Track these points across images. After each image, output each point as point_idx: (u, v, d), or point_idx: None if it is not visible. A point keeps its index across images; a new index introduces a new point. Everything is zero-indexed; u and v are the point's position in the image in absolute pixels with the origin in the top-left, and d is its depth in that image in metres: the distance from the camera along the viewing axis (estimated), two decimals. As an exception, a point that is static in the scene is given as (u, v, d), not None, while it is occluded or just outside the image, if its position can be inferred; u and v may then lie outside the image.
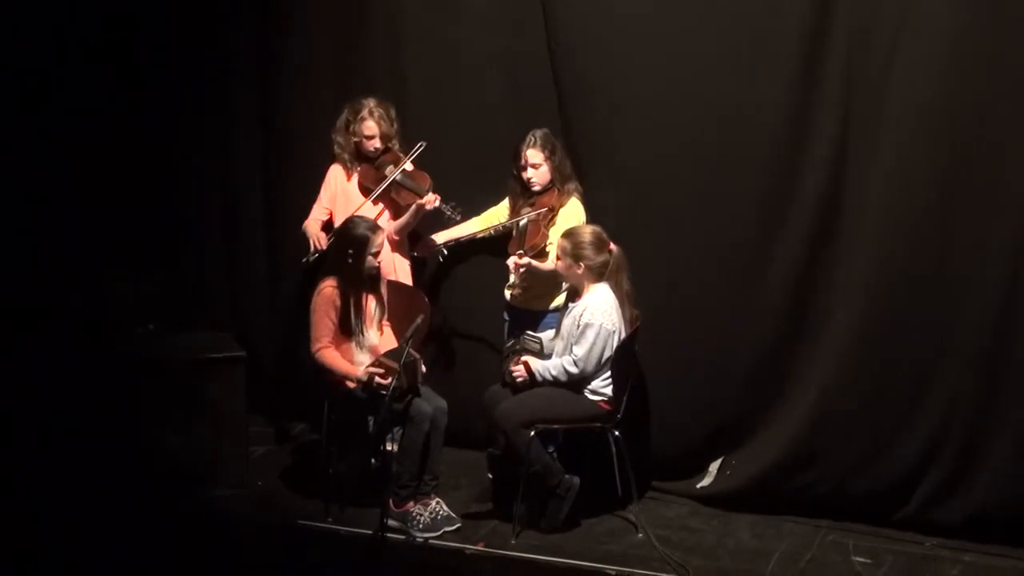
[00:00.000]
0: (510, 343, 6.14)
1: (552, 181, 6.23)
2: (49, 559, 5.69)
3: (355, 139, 6.46)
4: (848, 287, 5.88)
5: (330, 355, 5.96)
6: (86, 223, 7.08)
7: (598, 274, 5.87)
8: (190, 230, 7.35)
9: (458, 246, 6.50)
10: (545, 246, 6.16)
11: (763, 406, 6.11)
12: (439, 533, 5.86)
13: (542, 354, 6.02)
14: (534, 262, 6.12)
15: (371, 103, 6.42)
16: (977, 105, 5.54)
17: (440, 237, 6.46)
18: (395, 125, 6.45)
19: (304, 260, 6.48)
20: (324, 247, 6.39)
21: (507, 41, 6.44)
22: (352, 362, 5.99)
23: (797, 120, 5.86)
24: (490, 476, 6.33)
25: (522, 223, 6.24)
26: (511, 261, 6.12)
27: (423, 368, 5.93)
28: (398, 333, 6.10)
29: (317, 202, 6.55)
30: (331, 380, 5.99)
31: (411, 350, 5.75)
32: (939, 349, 5.73)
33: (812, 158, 5.87)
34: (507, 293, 6.32)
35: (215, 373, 6.34)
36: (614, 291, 5.88)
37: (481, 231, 6.41)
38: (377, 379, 5.76)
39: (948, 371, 5.72)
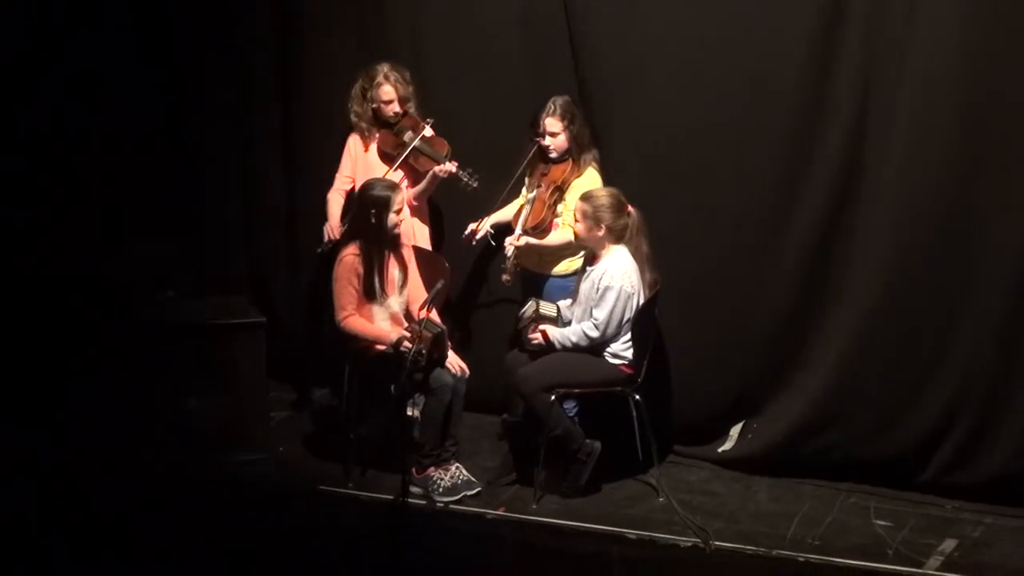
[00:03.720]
0: (525, 309, 6.07)
1: (569, 150, 6.18)
2: (68, 523, 5.74)
3: (373, 105, 6.43)
4: (868, 253, 5.87)
5: (357, 322, 5.94)
6: (104, 190, 7.07)
7: (618, 236, 5.84)
8: (209, 195, 7.30)
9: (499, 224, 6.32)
10: (550, 224, 6.14)
11: (784, 370, 6.11)
12: (459, 497, 5.87)
13: (559, 321, 6.02)
14: (532, 240, 6.10)
15: (385, 68, 6.38)
16: (997, 73, 5.52)
17: (487, 223, 6.22)
18: (411, 87, 6.41)
19: (319, 251, 6.50)
20: (338, 237, 6.37)
21: (526, 5, 6.41)
22: (375, 327, 6.00)
23: (816, 87, 5.84)
24: (504, 442, 6.33)
25: (530, 196, 6.20)
26: (508, 241, 6.08)
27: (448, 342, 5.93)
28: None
29: (339, 172, 6.53)
30: (357, 347, 5.99)
31: (439, 322, 5.74)
32: (958, 314, 5.73)
33: (832, 126, 5.86)
34: (503, 277, 6.17)
35: (235, 339, 6.34)
36: (633, 255, 5.87)
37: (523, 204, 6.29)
38: (405, 343, 5.76)
39: (967, 335, 5.72)
